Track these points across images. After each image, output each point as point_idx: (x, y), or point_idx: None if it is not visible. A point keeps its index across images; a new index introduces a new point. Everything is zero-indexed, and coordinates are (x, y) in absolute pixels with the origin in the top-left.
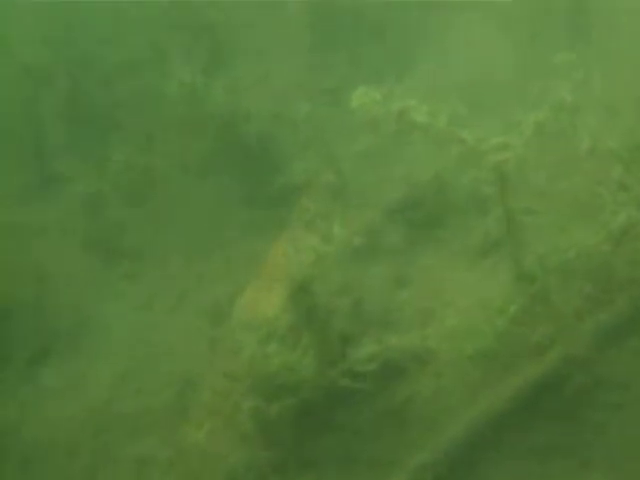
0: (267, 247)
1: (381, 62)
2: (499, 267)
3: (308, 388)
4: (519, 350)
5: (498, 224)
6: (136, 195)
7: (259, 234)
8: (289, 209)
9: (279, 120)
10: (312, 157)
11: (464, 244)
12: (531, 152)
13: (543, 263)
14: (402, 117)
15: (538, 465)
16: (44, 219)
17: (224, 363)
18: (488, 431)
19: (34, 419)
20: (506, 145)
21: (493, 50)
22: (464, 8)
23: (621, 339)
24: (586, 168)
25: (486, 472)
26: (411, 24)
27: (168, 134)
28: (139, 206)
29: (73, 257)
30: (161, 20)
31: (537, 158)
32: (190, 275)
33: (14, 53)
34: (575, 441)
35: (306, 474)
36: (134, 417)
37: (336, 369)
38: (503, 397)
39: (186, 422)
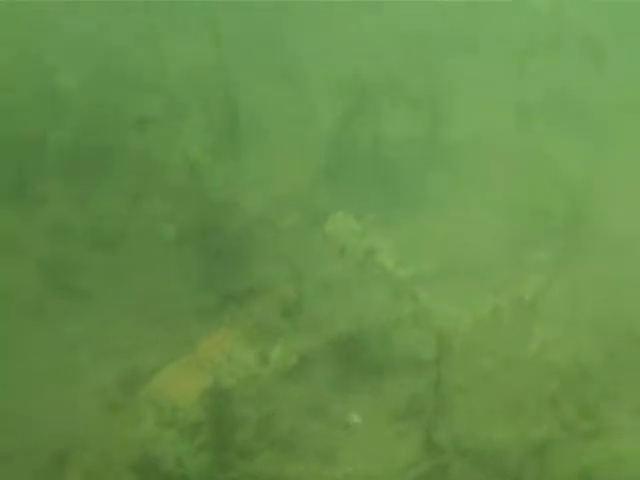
0: (205, 335)
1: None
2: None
3: None
4: None
5: (428, 390)
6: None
7: (205, 320)
8: (242, 309)
9: (263, 224)
10: (282, 270)
11: (390, 400)
12: (479, 333)
13: (456, 442)
14: (369, 255)
15: None
16: None
17: (115, 434)
18: None
19: None
20: (458, 318)
21: (481, 231)
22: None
23: None
24: (524, 371)
25: None
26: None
27: (154, 198)
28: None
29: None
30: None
31: (483, 340)
32: (124, 335)
33: None
34: None
35: None
36: None
37: (224, 476)
38: None
39: None
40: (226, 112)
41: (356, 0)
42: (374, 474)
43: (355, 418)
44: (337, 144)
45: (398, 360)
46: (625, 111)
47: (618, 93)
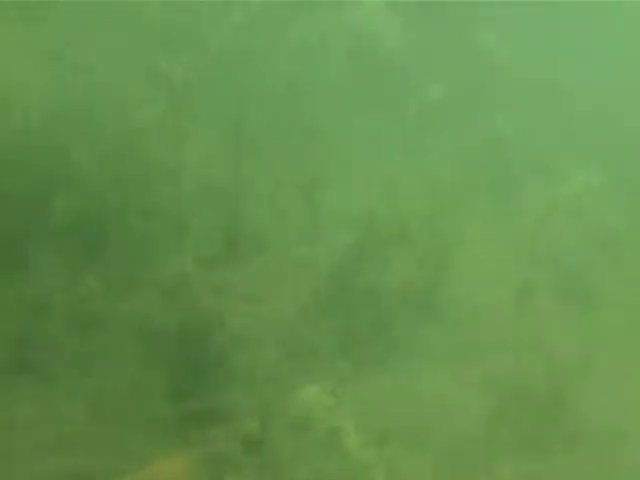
0: (160, 452)
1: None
2: None
3: None
4: None
5: None
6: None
7: (162, 437)
8: (202, 432)
9: (242, 347)
10: (250, 401)
11: None
12: None
13: None
14: (332, 435)
15: None
16: None
17: None
18: None
19: None
20: None
21: (457, 407)
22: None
23: None
24: None
25: None
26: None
27: (143, 291)
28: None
29: None
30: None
31: None
32: (78, 431)
33: None
34: None
35: None
36: None
37: None
38: None
39: None
40: (232, 220)
41: (380, 138)
42: None
43: None
44: (337, 277)
45: None
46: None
47: (630, 283)
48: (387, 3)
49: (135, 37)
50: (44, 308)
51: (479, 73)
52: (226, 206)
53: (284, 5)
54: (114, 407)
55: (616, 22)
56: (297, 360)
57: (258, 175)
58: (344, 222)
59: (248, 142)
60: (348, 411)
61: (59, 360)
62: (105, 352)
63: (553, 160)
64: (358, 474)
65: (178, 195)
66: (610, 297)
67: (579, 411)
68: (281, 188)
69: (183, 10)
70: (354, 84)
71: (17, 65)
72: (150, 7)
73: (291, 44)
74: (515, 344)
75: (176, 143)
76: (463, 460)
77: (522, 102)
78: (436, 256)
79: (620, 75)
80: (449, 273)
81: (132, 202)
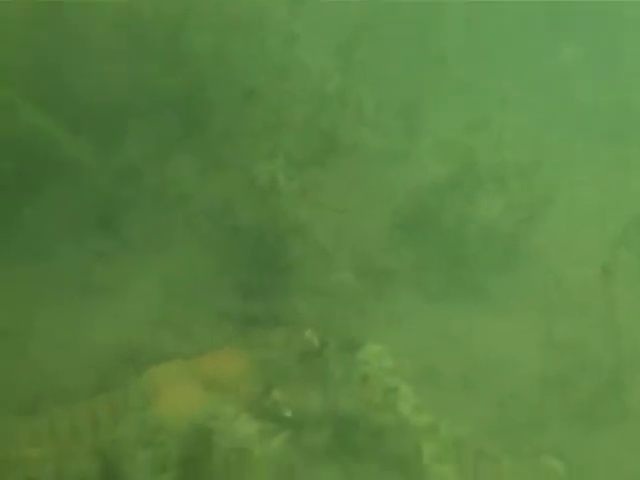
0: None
1: None
2: None
3: None
4: None
5: None
6: None
7: (223, 331)
8: (260, 333)
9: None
10: (313, 316)
11: None
12: None
13: None
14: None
15: None
16: None
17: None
18: None
19: None
20: None
21: None
22: None
23: None
24: None
25: None
26: None
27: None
28: None
29: None
30: None
31: None
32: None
33: None
34: None
35: None
36: None
37: None
38: None
39: None
40: (330, 128)
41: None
42: None
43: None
44: (423, 206)
45: None
46: None
47: None
48: None
49: None
50: (132, 177)
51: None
52: (326, 112)
53: None
54: (183, 290)
55: None
56: (368, 282)
57: (363, 90)
58: (441, 153)
59: (358, 63)
60: (403, 350)
61: (138, 230)
62: (184, 233)
63: None
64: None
65: (280, 91)
66: None
67: (638, 391)
68: (384, 108)
69: None
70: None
71: None
72: None
73: None
74: (588, 312)
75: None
76: (513, 420)
77: None
78: (527, 207)
79: None
80: (537, 227)
81: (237, 86)
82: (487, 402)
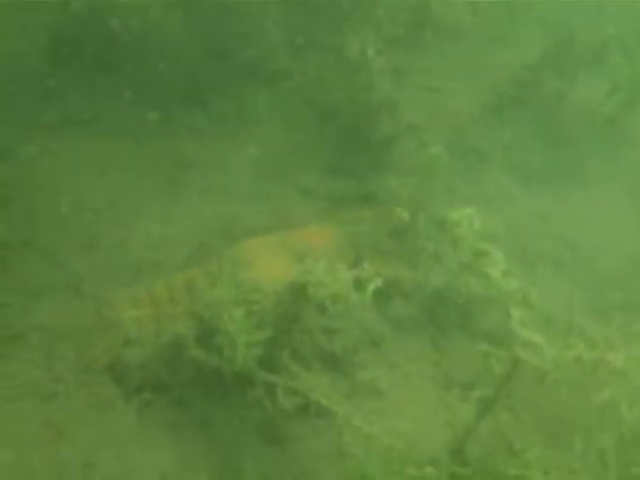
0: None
1: None
2: None
3: None
4: None
5: None
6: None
7: (313, 208)
8: (350, 210)
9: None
10: (404, 193)
11: None
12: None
13: None
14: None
15: None
16: None
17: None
18: None
19: None
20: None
21: None
22: None
23: None
24: None
25: None
26: None
27: None
28: None
29: None
30: None
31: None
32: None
33: None
34: None
35: None
36: None
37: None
38: None
39: None
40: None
41: None
42: None
43: None
44: (521, 84)
45: None
46: None
47: None
48: None
49: None
50: (223, 58)
51: None
52: None
53: None
54: (273, 167)
55: None
56: (460, 162)
57: None
58: (541, 29)
59: None
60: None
61: (230, 106)
62: (276, 110)
63: None
64: None
65: None
66: None
67: None
68: None
69: None
70: None
71: None
72: None
73: None
74: None
75: None
76: (606, 302)
77: None
78: (629, 87)
79: None
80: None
81: None
82: (580, 284)
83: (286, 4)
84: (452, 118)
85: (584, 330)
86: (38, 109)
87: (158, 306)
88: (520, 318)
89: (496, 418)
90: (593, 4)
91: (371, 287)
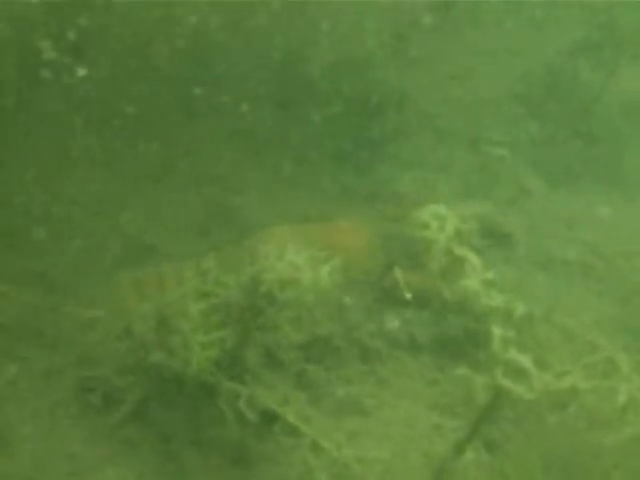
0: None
1: None
2: None
3: None
4: None
5: None
6: None
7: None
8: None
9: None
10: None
11: None
12: None
13: None
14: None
15: None
16: None
17: None
18: None
19: None
20: None
21: None
22: None
23: None
24: None
25: None
26: None
27: None
28: None
29: None
30: None
31: None
32: None
33: None
34: None
35: None
36: None
37: None
38: None
39: None
40: None
41: None
42: None
43: None
44: (555, 73)
45: None
46: None
47: None
48: None
49: None
50: None
51: None
52: None
53: None
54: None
55: None
56: (479, 157)
57: None
58: (580, 12)
59: None
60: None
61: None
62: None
63: None
64: None
65: None
66: None
67: None
68: None
69: None
70: None
71: None
72: None
73: None
74: None
75: None
76: (637, 317)
77: None
78: None
79: None
80: None
81: None
82: (609, 296)
83: None
84: (473, 109)
85: (610, 351)
86: None
87: (126, 302)
88: (503, 338)
89: (478, 454)
90: None
91: (325, 269)
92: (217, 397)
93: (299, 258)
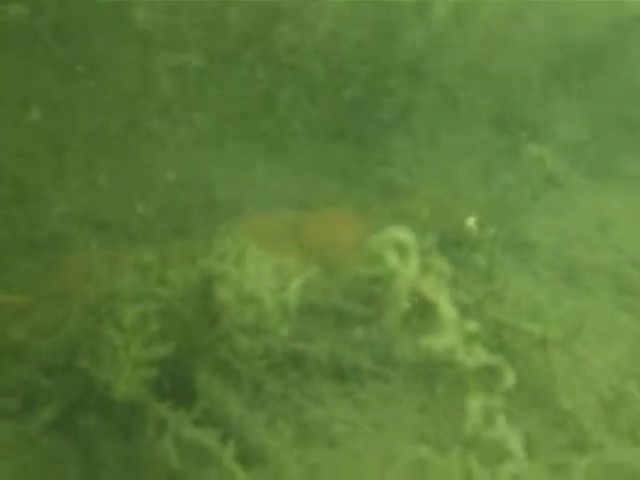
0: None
1: None
2: None
3: None
4: None
5: None
6: None
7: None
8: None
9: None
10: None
11: None
12: None
13: None
14: None
15: None
16: None
17: None
18: None
19: None
20: None
21: None
22: None
23: None
24: None
25: None
26: None
27: None
28: None
29: None
30: None
31: None
32: None
33: None
34: None
35: None
36: None
37: None
38: None
39: None
40: None
41: None
42: None
43: None
44: (593, 57)
45: None
46: None
47: None
48: None
49: None
50: None
51: None
52: None
53: None
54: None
55: None
56: (504, 139)
57: None
58: None
59: None
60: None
61: None
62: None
63: None
64: None
65: None
66: None
67: None
68: None
69: None
70: None
71: None
72: None
73: None
74: None
75: None
76: None
77: None
78: None
79: None
80: None
81: None
82: None
83: None
84: (498, 85)
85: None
86: None
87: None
88: (483, 407)
89: None
90: None
91: (294, 286)
92: (147, 423)
93: (263, 266)
